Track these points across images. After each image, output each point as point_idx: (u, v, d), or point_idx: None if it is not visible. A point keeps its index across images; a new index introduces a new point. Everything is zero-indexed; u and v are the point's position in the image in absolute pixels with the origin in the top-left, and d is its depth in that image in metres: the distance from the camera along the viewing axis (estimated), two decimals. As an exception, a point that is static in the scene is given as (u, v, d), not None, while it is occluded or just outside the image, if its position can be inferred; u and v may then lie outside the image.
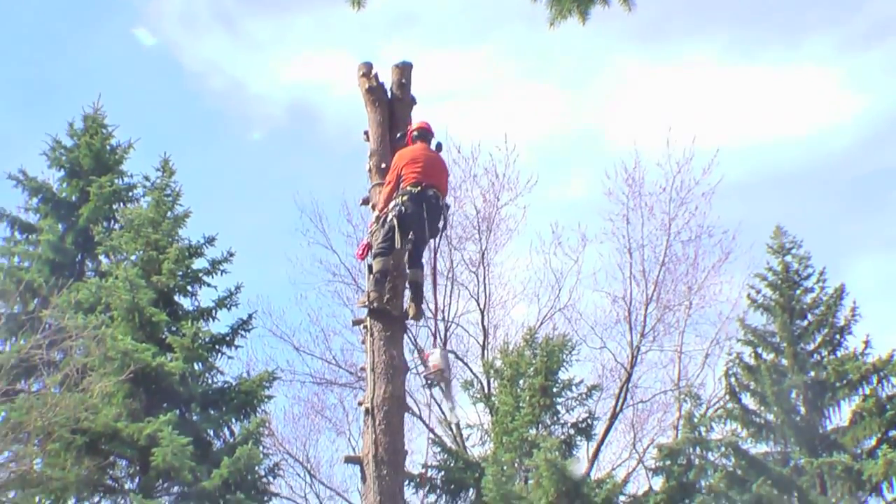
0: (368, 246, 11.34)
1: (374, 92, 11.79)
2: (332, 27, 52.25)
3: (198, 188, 46.81)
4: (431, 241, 11.33)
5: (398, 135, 11.59)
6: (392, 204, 10.87)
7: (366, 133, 11.78)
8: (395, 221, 10.75)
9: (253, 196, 49.89)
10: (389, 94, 11.88)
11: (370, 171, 11.62)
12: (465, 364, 27.22)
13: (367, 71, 11.86)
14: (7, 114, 48.12)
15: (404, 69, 11.94)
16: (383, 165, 11.36)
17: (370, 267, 10.84)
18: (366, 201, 11.82)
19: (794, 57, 47.21)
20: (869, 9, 46.94)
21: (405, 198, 10.78)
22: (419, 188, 10.83)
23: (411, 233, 10.85)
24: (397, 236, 10.73)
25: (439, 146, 11.69)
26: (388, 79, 11.92)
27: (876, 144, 47.91)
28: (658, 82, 44.97)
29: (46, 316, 18.10)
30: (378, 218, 11.11)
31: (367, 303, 10.73)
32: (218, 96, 53.21)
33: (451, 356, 11.66)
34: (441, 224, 11.24)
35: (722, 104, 44.74)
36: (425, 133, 11.50)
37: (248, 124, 52.05)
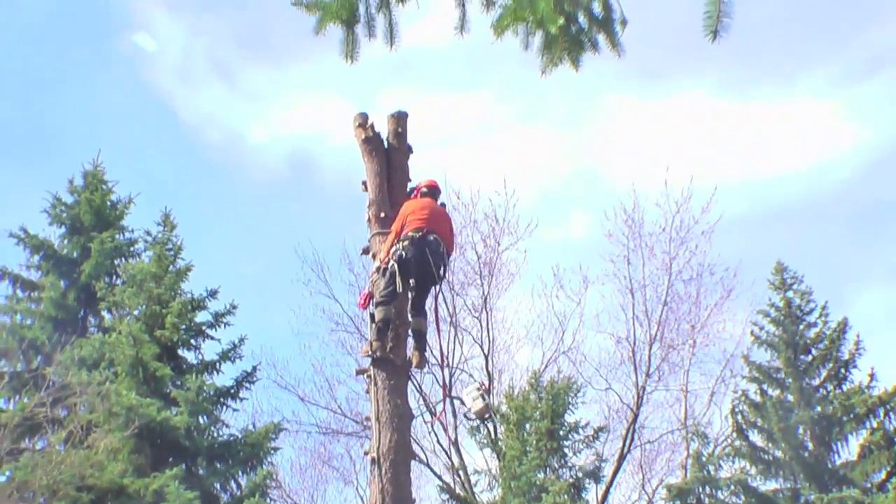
0: (370, 295, 11.34)
1: (371, 142, 11.83)
2: (330, 76, 52.55)
3: (199, 240, 46.83)
4: (433, 287, 11.35)
5: (407, 189, 11.67)
6: (393, 250, 10.91)
7: (364, 183, 11.82)
8: (395, 267, 10.77)
9: (254, 247, 49.97)
10: (386, 143, 11.93)
11: (369, 220, 11.65)
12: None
13: (364, 121, 11.90)
14: (5, 169, 48.34)
15: (400, 118, 11.99)
16: (382, 215, 11.39)
17: (372, 316, 10.84)
18: (366, 251, 11.84)
19: (790, 91, 47.47)
20: (862, 41, 47.32)
21: (406, 243, 10.83)
22: (420, 233, 10.90)
23: (412, 280, 10.87)
24: (399, 282, 10.75)
25: (442, 205, 11.79)
26: (384, 128, 11.96)
27: (876, 175, 48.02)
28: (654, 120, 45.21)
29: (50, 373, 18.11)
30: (379, 267, 11.14)
31: (370, 352, 10.71)
32: (216, 148, 53.45)
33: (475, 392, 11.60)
34: (442, 270, 11.28)
35: (719, 140, 44.90)
36: (434, 191, 11.61)
37: (247, 175, 52.23)
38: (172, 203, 35.40)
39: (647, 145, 44.33)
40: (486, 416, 11.41)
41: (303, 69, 50.45)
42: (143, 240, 23.09)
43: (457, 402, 26.06)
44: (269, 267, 47.59)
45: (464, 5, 5.07)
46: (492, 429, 25.14)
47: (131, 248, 23.52)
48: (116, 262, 23.08)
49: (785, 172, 46.02)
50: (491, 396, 26.82)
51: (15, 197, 41.86)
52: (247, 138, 52.27)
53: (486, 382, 11.51)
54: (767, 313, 24.34)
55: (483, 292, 27.97)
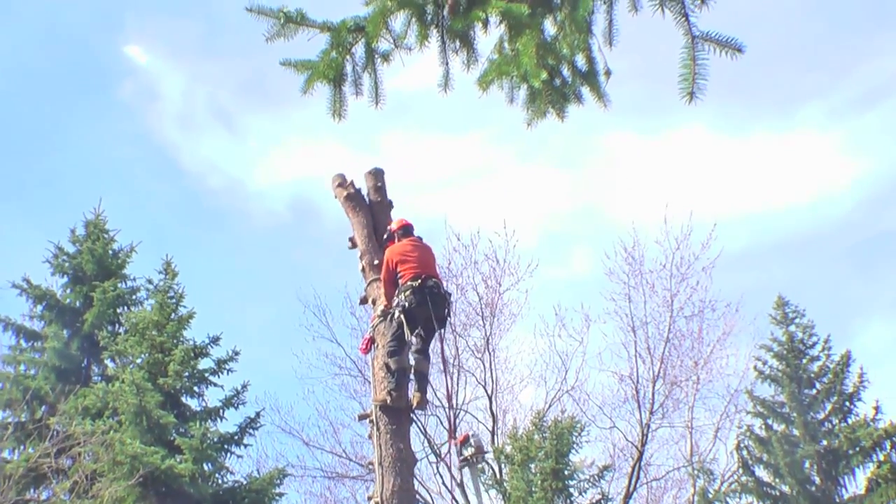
0: (371, 340, 11.47)
1: (353, 198, 12.27)
2: (329, 122, 52.59)
3: (201, 287, 46.82)
4: (438, 331, 11.47)
5: (384, 237, 11.88)
6: (395, 301, 11.05)
7: (351, 239, 12.16)
8: (402, 317, 10.92)
9: (256, 292, 50.02)
10: (367, 199, 12.29)
11: (363, 270, 11.92)
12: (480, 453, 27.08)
13: (342, 181, 12.40)
14: (7, 217, 48.51)
15: (377, 174, 12.58)
16: (375, 262, 11.66)
17: (387, 365, 10.92)
18: (363, 300, 12.06)
19: (789, 125, 47.67)
20: (860, 74, 47.51)
21: (408, 293, 10.97)
22: (419, 281, 11.04)
23: (419, 327, 11.00)
24: (407, 331, 10.88)
25: (419, 238, 11.97)
26: (363, 185, 12.41)
27: (877, 207, 48.11)
28: (653, 156, 45.36)
29: (54, 423, 18.14)
30: (384, 313, 11.28)
31: (390, 401, 10.74)
32: (218, 194, 53.65)
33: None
34: (446, 312, 11.43)
35: (718, 175, 45.06)
36: (408, 229, 11.83)
37: (249, 221, 52.40)
38: (174, 250, 35.71)
39: (647, 181, 44.50)
40: (479, 456, 11.54)
41: (302, 115, 50.72)
42: (145, 288, 23.19)
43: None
44: (271, 312, 47.65)
45: (447, 63, 5.16)
46: (497, 469, 25.10)
47: (133, 297, 23.57)
48: (119, 310, 23.14)
49: (785, 206, 46.17)
50: (496, 438, 26.85)
51: (17, 247, 42.04)
52: (248, 184, 52.53)
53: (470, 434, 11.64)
54: (770, 348, 24.38)
55: (485, 333, 28.00)
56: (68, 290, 23.59)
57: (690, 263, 27.97)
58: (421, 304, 10.96)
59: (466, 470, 11.73)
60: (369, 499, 10.72)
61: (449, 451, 12.34)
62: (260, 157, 52.83)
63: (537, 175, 46.34)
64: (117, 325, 22.99)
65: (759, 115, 50.16)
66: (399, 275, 11.17)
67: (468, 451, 11.30)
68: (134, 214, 49.14)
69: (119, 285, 23.38)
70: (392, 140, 46.80)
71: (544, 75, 4.87)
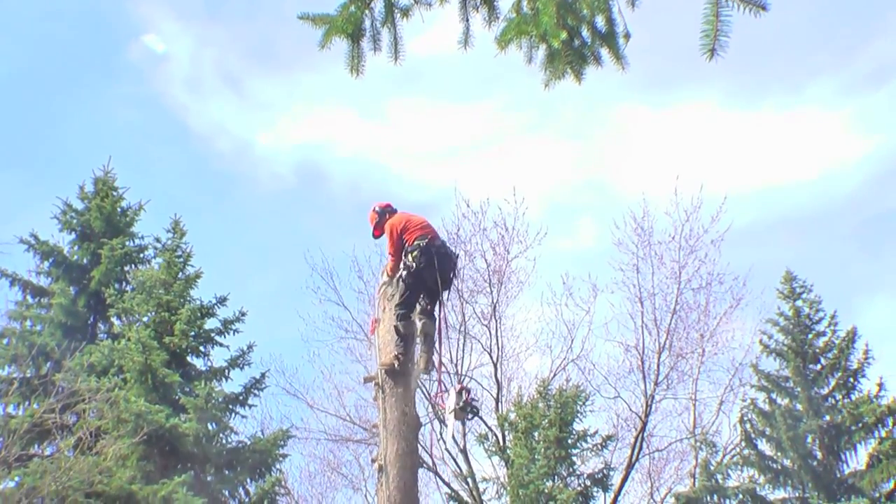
0: (377, 320, 11.49)
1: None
2: (337, 86, 52.73)
3: (208, 249, 47.11)
4: (444, 292, 11.48)
5: (374, 223, 11.88)
6: (402, 262, 11.03)
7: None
8: (410, 279, 10.91)
9: (264, 255, 50.14)
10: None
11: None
12: (480, 418, 27.15)
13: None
14: (16, 178, 48.52)
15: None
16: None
17: (396, 328, 10.90)
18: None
19: (798, 101, 47.45)
20: (870, 52, 47.22)
21: (416, 253, 10.95)
22: (427, 240, 11.05)
23: (426, 289, 11.01)
24: (414, 291, 10.90)
25: None
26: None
27: (884, 185, 47.95)
28: (663, 129, 45.19)
29: (59, 379, 18.14)
30: (390, 277, 11.27)
31: (395, 364, 10.73)
32: (226, 157, 53.60)
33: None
34: (452, 274, 11.44)
35: (728, 150, 44.90)
36: (392, 208, 11.84)
37: (256, 184, 52.37)
38: (182, 211, 35.44)
39: (657, 154, 44.35)
40: (464, 417, 11.46)
41: (311, 79, 50.66)
42: (153, 247, 23.15)
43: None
44: (278, 275, 47.79)
45: (467, 20, 5.10)
46: (500, 436, 25.17)
47: (141, 255, 23.58)
48: (126, 268, 23.16)
49: (794, 181, 46.05)
50: (500, 405, 26.88)
51: (25, 204, 42.07)
52: (256, 147, 52.46)
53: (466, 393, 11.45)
54: (776, 322, 24.34)
55: (492, 300, 27.98)
56: (76, 247, 23.56)
57: (699, 236, 27.92)
58: (429, 264, 10.96)
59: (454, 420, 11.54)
60: (373, 461, 10.74)
61: (434, 409, 12.30)
62: (267, 122, 52.79)
63: (547, 146, 46.26)
64: (124, 283, 22.99)
65: (770, 91, 49.97)
66: (405, 241, 11.16)
67: (458, 404, 11.17)
68: (142, 176, 49.17)
69: (127, 243, 23.39)
70: (400, 107, 46.70)
71: (564, 35, 4.81)
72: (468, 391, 11.28)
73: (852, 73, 48.27)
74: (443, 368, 11.16)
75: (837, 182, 48.04)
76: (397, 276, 11.12)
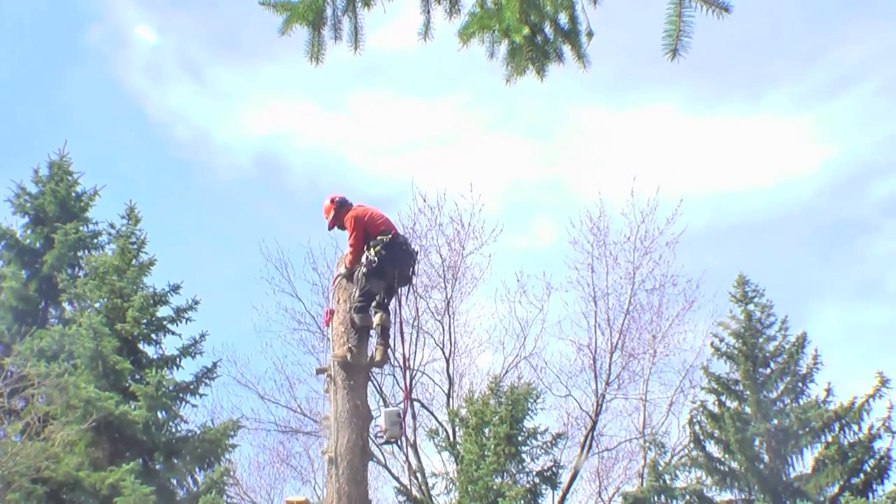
0: (331, 312, 11.46)
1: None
2: (298, 77, 52.52)
3: (163, 236, 46.72)
4: (401, 288, 11.51)
5: (331, 214, 11.67)
6: (364, 256, 11.04)
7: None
8: (371, 273, 10.91)
9: (219, 244, 49.85)
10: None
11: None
12: (431, 413, 27.22)
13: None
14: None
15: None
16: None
17: (352, 320, 10.88)
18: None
19: (756, 108, 47.78)
20: (829, 60, 47.65)
21: (378, 247, 10.97)
22: (389, 236, 11.08)
23: (384, 282, 11.03)
24: (375, 285, 10.91)
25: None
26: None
27: (839, 194, 48.49)
28: (622, 131, 45.40)
29: (8, 363, 17.98)
30: (348, 271, 11.24)
31: (349, 357, 10.72)
32: (184, 146, 53.24)
33: (402, 412, 11.62)
34: (412, 270, 11.47)
35: (685, 154, 45.17)
36: (347, 200, 11.64)
37: (214, 173, 52.07)
38: (138, 198, 35.19)
39: (615, 156, 44.57)
40: (396, 442, 11.48)
41: (271, 70, 50.36)
42: (107, 232, 22.93)
43: (416, 405, 26.24)
44: (232, 264, 47.53)
45: (428, 12, 5.10)
46: (451, 432, 25.20)
47: (95, 241, 23.40)
48: (79, 253, 22.99)
49: (750, 188, 46.38)
50: (451, 400, 26.92)
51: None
52: (214, 137, 52.17)
53: (402, 412, 11.48)
54: (728, 325, 24.52)
55: (446, 295, 28.01)
56: (29, 231, 23.40)
57: (654, 238, 28.11)
58: (391, 259, 10.98)
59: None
60: (323, 453, 10.74)
61: (405, 410, 12.28)
62: (227, 111, 52.49)
63: (505, 144, 46.34)
64: (77, 269, 22.84)
65: (728, 97, 50.37)
66: (368, 234, 11.15)
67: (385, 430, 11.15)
68: (98, 161, 48.75)
69: (81, 228, 23.22)
70: (362, 100, 46.60)
71: (526, 31, 4.83)
72: (400, 415, 11.33)
73: (811, 82, 48.78)
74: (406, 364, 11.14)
75: (793, 190, 48.51)
76: (358, 268, 11.09)
